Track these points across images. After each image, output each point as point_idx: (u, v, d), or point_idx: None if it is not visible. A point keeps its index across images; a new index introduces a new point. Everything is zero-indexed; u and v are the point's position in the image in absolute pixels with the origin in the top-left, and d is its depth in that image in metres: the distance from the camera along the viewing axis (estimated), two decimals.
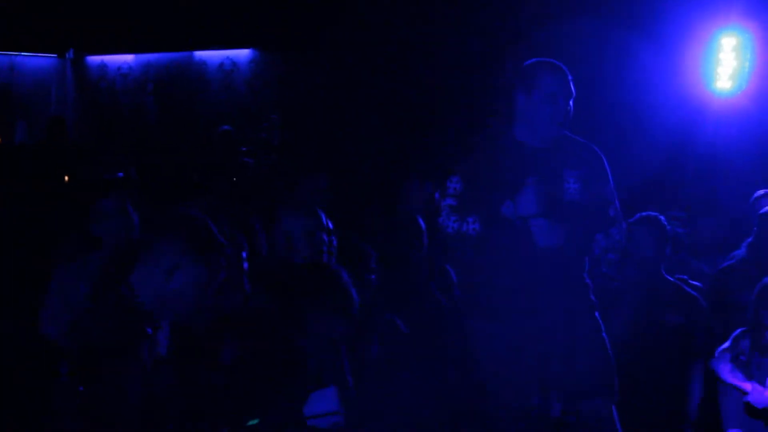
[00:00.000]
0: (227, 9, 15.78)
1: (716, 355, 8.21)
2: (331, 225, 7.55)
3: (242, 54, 16.95)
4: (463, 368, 7.65)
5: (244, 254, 6.80)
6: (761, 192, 9.64)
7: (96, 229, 7.13)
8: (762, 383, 7.64)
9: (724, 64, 11.11)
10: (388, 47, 14.93)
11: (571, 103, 6.27)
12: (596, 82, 10.57)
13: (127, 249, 5.33)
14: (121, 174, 11.72)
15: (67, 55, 17.13)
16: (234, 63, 17.19)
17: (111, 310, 4.72)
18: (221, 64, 17.19)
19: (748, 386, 7.47)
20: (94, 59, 17.26)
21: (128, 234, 7.03)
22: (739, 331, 7.97)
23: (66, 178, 12.84)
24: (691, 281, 8.78)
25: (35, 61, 16.97)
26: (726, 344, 8.01)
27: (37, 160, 13.44)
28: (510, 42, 12.43)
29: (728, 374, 7.91)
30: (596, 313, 6.38)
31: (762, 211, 9.00)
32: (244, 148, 12.05)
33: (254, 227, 8.84)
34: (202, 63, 17.25)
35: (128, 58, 17.29)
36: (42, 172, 12.78)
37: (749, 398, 7.43)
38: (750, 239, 9.12)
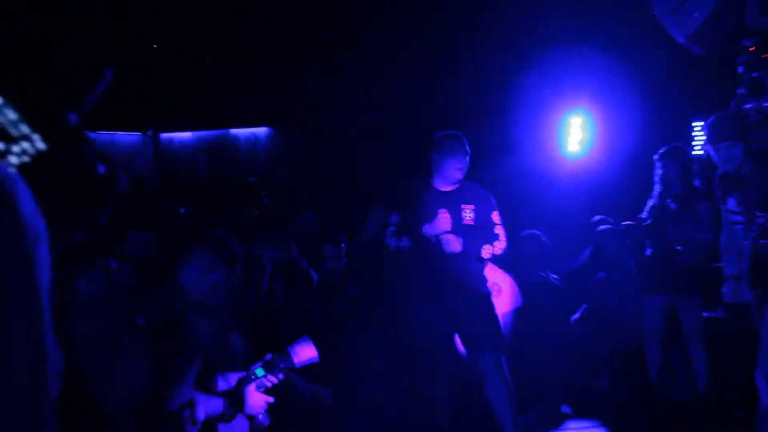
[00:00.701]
0: (252, 100, 15.77)
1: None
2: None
3: (262, 131, 17.31)
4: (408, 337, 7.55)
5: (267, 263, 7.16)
6: (597, 217, 9.94)
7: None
8: None
9: (573, 135, 11.42)
10: (368, 127, 14.75)
11: (467, 159, 6.88)
12: (489, 146, 10.76)
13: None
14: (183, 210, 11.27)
15: (147, 133, 17.24)
16: (256, 137, 17.53)
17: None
18: (247, 139, 17.48)
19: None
20: (165, 136, 17.54)
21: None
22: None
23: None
24: (552, 276, 9.45)
25: (127, 137, 17.27)
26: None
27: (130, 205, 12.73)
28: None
29: None
30: (491, 302, 7.00)
31: (598, 228, 9.59)
32: (263, 193, 11.86)
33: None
34: (235, 138, 17.62)
35: (187, 134, 17.62)
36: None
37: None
38: (590, 249, 9.84)
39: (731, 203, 7.00)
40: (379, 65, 14.09)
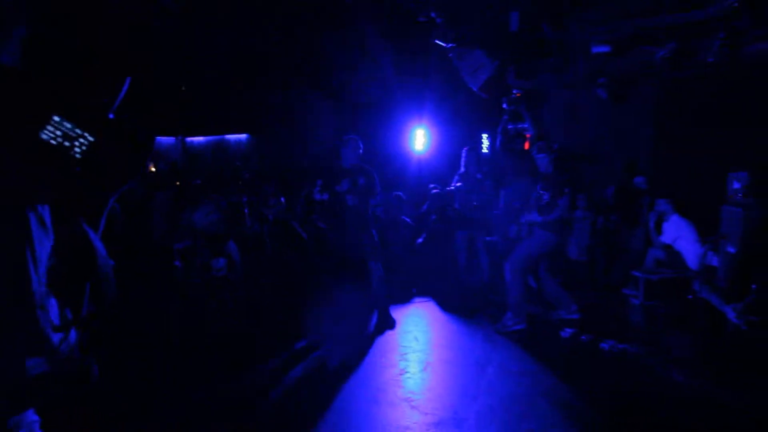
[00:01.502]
0: (237, 117, 15.24)
1: None
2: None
3: (243, 136, 16.56)
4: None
5: (245, 210, 7.77)
6: (432, 185, 9.92)
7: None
8: None
9: (418, 139, 10.94)
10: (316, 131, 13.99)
11: (361, 150, 6.81)
12: (374, 145, 10.40)
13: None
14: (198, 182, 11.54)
15: (178, 137, 16.85)
16: (239, 141, 16.66)
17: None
18: (236, 141, 16.69)
19: None
20: (189, 139, 16.70)
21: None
22: None
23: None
24: (407, 218, 9.44)
25: (166, 140, 16.63)
26: None
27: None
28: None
29: None
30: (373, 231, 6.93)
31: (432, 192, 9.69)
32: (245, 173, 10.92)
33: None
34: (228, 141, 16.74)
35: (201, 138, 16.92)
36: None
37: None
38: (427, 203, 9.66)
39: (538, 186, 6.90)
40: (308, 106, 13.66)
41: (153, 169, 13.86)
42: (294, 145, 14.63)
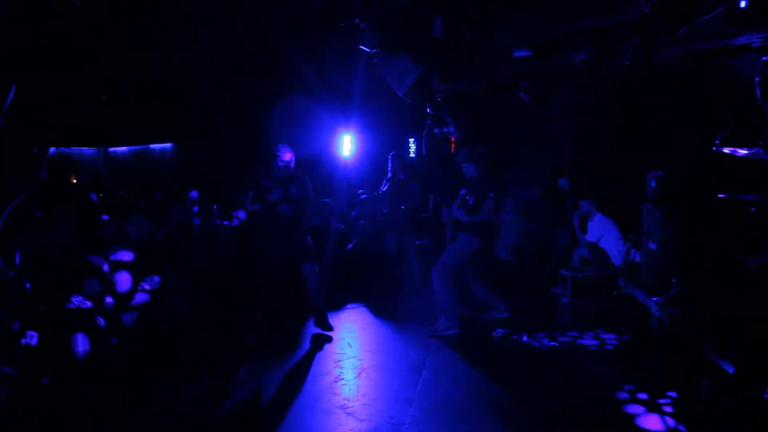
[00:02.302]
0: (162, 127, 14.93)
1: None
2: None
3: (168, 146, 16.33)
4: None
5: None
6: (361, 191, 10.10)
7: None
8: None
9: (345, 146, 10.86)
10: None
11: (288, 162, 6.69)
12: (303, 149, 10.58)
13: None
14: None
15: (101, 148, 16.36)
16: (164, 149, 16.39)
17: None
18: (160, 150, 16.49)
19: None
20: (111, 150, 16.47)
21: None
22: None
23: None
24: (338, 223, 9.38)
25: (89, 150, 16.20)
26: None
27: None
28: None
29: None
30: (308, 237, 6.87)
31: (361, 197, 9.80)
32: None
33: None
34: (152, 150, 16.51)
35: (124, 148, 16.62)
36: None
37: None
38: (356, 209, 9.79)
39: (462, 191, 6.98)
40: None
41: (74, 181, 13.42)
42: (221, 154, 14.47)
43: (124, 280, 6.23)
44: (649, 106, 8.48)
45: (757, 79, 6.60)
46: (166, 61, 11.70)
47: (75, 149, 16.33)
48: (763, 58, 6.74)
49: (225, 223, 8.39)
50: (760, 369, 3.79)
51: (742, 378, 3.93)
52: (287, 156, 6.79)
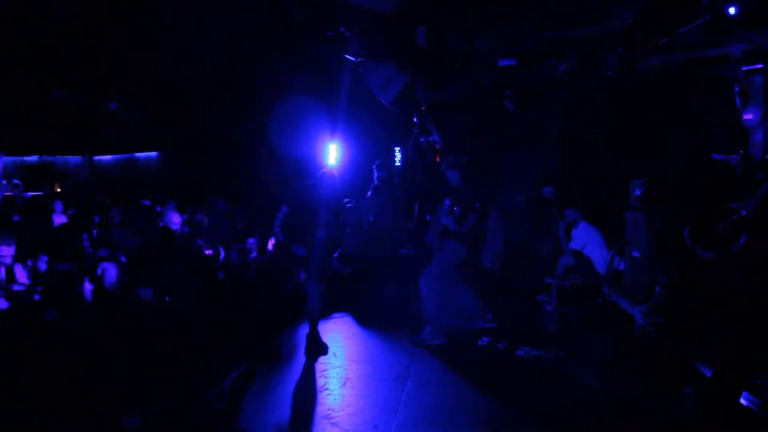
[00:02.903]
0: (147, 137, 14.87)
1: None
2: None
3: (153, 154, 16.34)
4: None
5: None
6: (346, 200, 9.98)
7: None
8: None
9: (332, 154, 9.66)
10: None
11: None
12: (290, 158, 10.92)
13: None
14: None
15: (86, 156, 16.22)
16: (149, 158, 16.38)
17: None
18: (145, 159, 16.51)
19: None
20: (96, 158, 16.42)
21: None
22: None
23: None
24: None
25: (74, 159, 16.04)
26: None
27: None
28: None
29: None
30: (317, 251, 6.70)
31: (346, 206, 9.70)
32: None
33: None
34: (138, 159, 16.54)
35: (108, 157, 16.56)
36: None
37: None
38: (341, 217, 9.64)
39: (446, 201, 6.91)
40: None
41: (58, 189, 13.39)
42: (206, 164, 14.43)
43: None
44: (634, 115, 8.52)
45: (737, 89, 6.75)
46: (152, 72, 11.71)
47: (59, 158, 16.26)
48: (743, 68, 6.91)
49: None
50: (735, 374, 3.82)
51: (719, 382, 3.97)
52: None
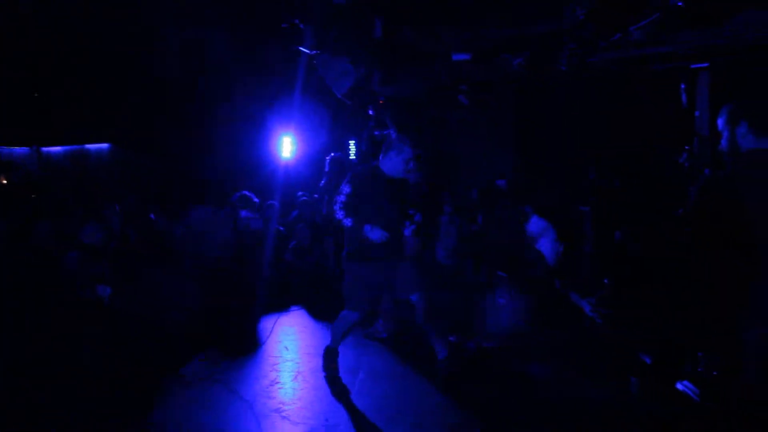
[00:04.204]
0: (98, 128, 14.57)
1: None
2: None
3: (104, 146, 15.96)
4: None
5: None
6: (300, 193, 10.12)
7: None
8: None
9: (285, 147, 10.52)
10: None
11: None
12: (244, 151, 10.93)
13: None
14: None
15: (33, 147, 15.93)
16: (101, 150, 16.04)
17: None
18: (96, 150, 16.08)
19: None
20: (45, 149, 16.04)
21: None
22: None
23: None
24: (280, 227, 9.43)
25: (22, 150, 15.76)
26: None
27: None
28: None
29: None
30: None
31: (300, 199, 9.86)
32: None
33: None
34: (89, 150, 16.12)
35: (58, 149, 16.20)
36: None
37: None
38: (296, 211, 9.77)
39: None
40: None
41: (4, 181, 13.13)
42: (159, 157, 14.29)
43: None
44: (587, 110, 8.68)
45: (683, 86, 6.92)
46: (104, 61, 11.53)
47: (4, 149, 15.93)
48: (691, 66, 7.09)
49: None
50: (672, 362, 3.90)
51: (658, 370, 4.08)
52: None
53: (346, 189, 5.02)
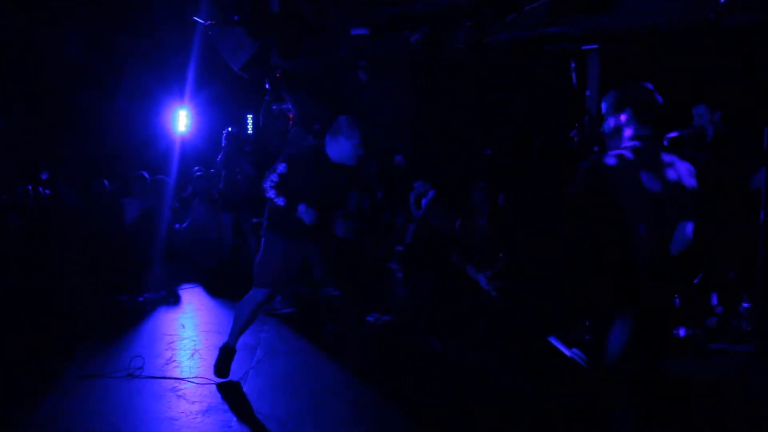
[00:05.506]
0: None
1: None
2: None
3: None
4: None
5: None
6: (196, 168, 9.97)
7: None
8: None
9: (181, 120, 10.28)
10: None
11: None
12: (136, 124, 10.63)
13: None
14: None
15: None
16: None
17: None
18: None
19: None
20: None
21: None
22: None
23: None
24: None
25: None
26: None
27: None
28: None
29: None
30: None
31: (195, 175, 9.58)
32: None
33: None
34: None
35: None
36: None
37: None
38: (191, 186, 9.61)
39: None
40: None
41: None
42: (40, 128, 13.52)
43: None
44: (484, 88, 8.73)
45: (573, 65, 7.18)
46: None
47: None
48: (582, 47, 7.35)
49: None
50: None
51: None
52: None
53: (281, 168, 4.79)
